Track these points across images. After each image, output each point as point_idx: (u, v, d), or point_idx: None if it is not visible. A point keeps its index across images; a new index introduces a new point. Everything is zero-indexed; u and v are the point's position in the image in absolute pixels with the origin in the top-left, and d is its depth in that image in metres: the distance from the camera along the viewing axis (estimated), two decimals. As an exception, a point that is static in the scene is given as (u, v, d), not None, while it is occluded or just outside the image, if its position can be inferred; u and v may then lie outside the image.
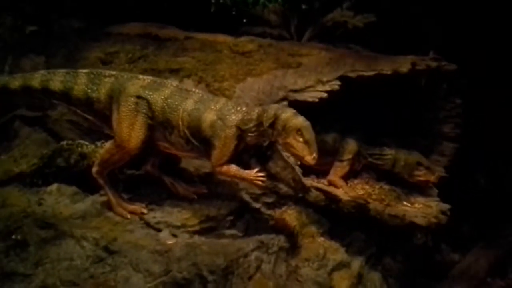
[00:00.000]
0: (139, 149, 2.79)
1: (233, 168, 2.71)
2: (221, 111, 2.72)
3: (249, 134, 2.71)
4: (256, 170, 2.73)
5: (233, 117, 2.71)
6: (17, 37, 3.79)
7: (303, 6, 4.42)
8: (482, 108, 4.11)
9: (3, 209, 2.93)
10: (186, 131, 2.74)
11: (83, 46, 3.66)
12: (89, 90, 2.85)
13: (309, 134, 2.65)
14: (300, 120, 2.66)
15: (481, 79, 4.07)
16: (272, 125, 2.67)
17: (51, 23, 3.94)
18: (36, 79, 2.91)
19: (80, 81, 2.87)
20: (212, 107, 2.74)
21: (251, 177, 2.71)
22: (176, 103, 2.75)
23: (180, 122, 2.74)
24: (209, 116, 2.71)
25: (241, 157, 2.80)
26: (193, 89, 2.85)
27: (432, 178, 3.34)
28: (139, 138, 2.76)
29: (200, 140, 2.73)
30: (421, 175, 3.33)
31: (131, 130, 2.75)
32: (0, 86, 2.94)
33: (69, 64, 3.46)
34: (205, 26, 3.86)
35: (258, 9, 4.50)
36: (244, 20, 4.41)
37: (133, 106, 2.76)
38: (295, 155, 2.73)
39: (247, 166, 2.79)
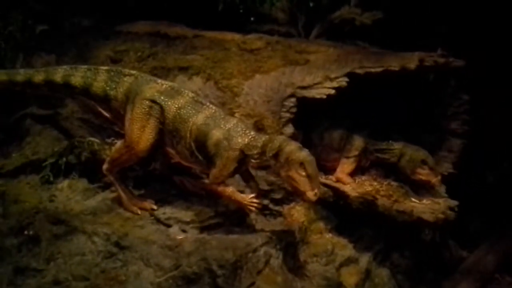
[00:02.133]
0: (147, 152, 2.81)
1: (229, 189, 2.73)
2: (229, 131, 2.71)
3: (252, 160, 2.70)
4: (251, 196, 2.74)
5: (239, 140, 2.69)
6: (28, 36, 3.82)
7: (311, 4, 4.44)
8: (490, 104, 4.11)
9: (15, 205, 2.98)
10: (192, 143, 2.75)
11: (93, 45, 3.70)
12: (107, 88, 2.89)
13: (312, 169, 2.58)
14: (303, 154, 2.59)
15: (489, 75, 4.06)
16: (276, 156, 2.62)
17: (61, 22, 3.98)
18: (59, 74, 2.96)
19: (99, 78, 2.91)
20: (222, 126, 2.72)
21: (246, 202, 2.72)
22: (188, 114, 2.75)
23: (188, 134, 2.75)
24: (216, 134, 2.71)
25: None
26: (208, 103, 2.84)
27: (434, 180, 3.28)
28: (148, 141, 2.78)
29: (204, 155, 2.75)
30: (423, 174, 3.29)
31: (141, 133, 2.78)
32: (25, 79, 2.99)
33: (80, 62, 3.48)
34: (213, 24, 3.89)
35: (265, 6, 4.51)
36: (252, 18, 4.42)
37: (146, 109, 2.78)
38: (295, 189, 2.63)
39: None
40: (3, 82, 3.00)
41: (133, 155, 2.83)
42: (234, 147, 2.68)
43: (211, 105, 2.84)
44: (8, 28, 3.77)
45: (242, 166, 2.74)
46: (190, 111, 2.76)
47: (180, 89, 2.86)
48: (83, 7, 4.12)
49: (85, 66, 2.98)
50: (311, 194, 2.58)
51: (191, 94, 2.85)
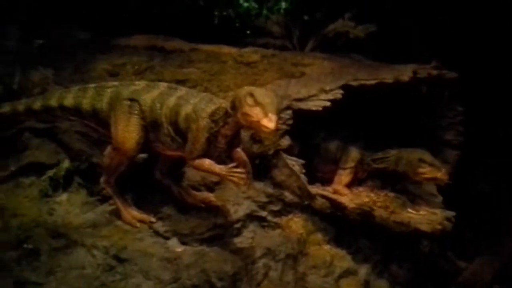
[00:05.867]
0: (135, 151, 2.83)
1: (206, 162, 2.65)
2: (197, 104, 2.70)
3: (220, 124, 2.64)
4: (230, 165, 2.63)
5: (207, 109, 2.66)
6: (26, 50, 3.85)
7: (305, 17, 4.50)
8: (485, 115, 4.16)
9: (14, 218, 2.96)
10: (169, 127, 2.76)
11: (91, 58, 3.71)
12: (94, 102, 2.93)
13: (262, 96, 2.47)
14: (252, 87, 2.57)
15: (483, 86, 4.12)
16: (234, 107, 2.57)
17: (59, 36, 4.01)
18: (54, 98, 3.01)
19: (88, 95, 2.95)
20: (191, 101, 2.73)
21: (224, 173, 2.62)
22: (162, 101, 2.78)
23: (164, 119, 2.77)
24: (185, 109, 2.71)
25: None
26: (181, 87, 2.86)
27: (439, 174, 3.21)
28: (133, 139, 2.80)
29: (181, 135, 2.73)
30: (426, 172, 3.23)
31: (125, 132, 2.80)
32: (25, 108, 3.05)
33: (77, 76, 3.52)
34: (209, 38, 3.93)
35: (261, 20, 4.58)
36: (248, 32, 4.48)
37: (126, 108, 2.82)
38: (253, 124, 2.49)
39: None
40: (7, 113, 3.07)
41: (122, 157, 2.84)
42: (202, 116, 2.65)
43: (184, 88, 2.85)
44: (6, 42, 3.79)
45: (214, 135, 2.66)
46: (164, 98, 2.78)
47: (156, 84, 2.90)
48: (81, 21, 4.15)
49: (77, 87, 3.03)
50: (265, 121, 2.42)
51: (166, 85, 2.88)
